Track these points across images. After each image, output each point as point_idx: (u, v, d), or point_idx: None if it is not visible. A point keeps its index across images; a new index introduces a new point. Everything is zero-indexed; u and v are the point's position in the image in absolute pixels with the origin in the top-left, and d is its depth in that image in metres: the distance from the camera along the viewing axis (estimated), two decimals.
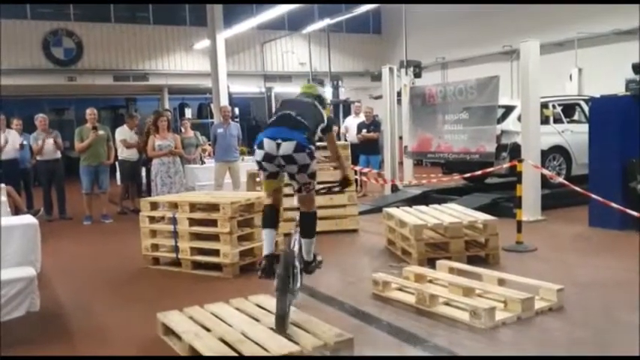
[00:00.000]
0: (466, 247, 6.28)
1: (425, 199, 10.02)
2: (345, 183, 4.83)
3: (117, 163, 11.53)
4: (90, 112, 10.11)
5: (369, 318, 4.69)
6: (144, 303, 5.43)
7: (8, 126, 10.56)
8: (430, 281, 5.23)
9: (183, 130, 11.96)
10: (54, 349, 4.34)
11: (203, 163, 11.79)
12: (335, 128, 4.59)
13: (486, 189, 10.42)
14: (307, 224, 4.35)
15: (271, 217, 4.36)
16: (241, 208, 6.36)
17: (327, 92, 4.73)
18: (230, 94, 17.32)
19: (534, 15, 15.86)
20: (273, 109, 14.37)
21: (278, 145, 3.95)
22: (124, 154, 10.81)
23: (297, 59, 21.95)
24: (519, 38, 9.46)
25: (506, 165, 8.75)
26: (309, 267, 4.49)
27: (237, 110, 19.20)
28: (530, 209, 8.27)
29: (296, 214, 4.54)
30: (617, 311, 4.63)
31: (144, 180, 11.64)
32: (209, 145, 12.61)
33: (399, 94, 12.31)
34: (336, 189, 4.91)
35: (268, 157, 4.02)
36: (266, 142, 3.99)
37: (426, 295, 4.74)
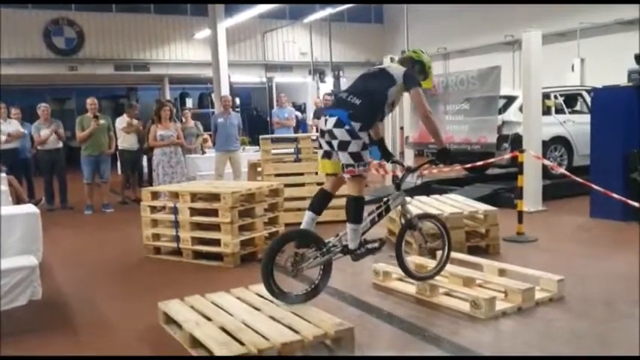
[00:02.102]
0: (467, 237, 6.28)
1: (426, 189, 10.01)
2: (442, 155, 4.67)
3: (117, 152, 11.54)
4: (90, 102, 10.10)
5: (370, 308, 4.71)
6: (145, 292, 5.45)
7: (8, 115, 10.55)
8: None
9: (183, 120, 11.96)
10: (56, 337, 4.37)
11: (204, 152, 11.79)
12: (418, 91, 4.46)
13: (487, 179, 10.42)
14: (349, 208, 4.36)
15: (317, 200, 4.49)
16: (242, 198, 6.37)
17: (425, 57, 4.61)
18: (231, 84, 17.29)
19: (536, 5, 15.78)
20: (275, 99, 14.44)
21: (326, 121, 4.27)
22: (124, 143, 10.80)
23: (299, 49, 21.87)
24: (521, 28, 9.42)
25: (507, 155, 8.75)
26: (353, 254, 4.42)
27: (237, 100, 19.18)
28: (531, 200, 8.28)
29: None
30: (617, 303, 4.62)
31: (145, 169, 11.65)
32: (209, 135, 12.62)
33: None
34: (435, 163, 4.80)
35: (321, 132, 4.34)
36: (321, 118, 4.35)
37: (426, 286, 4.75)
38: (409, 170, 4.86)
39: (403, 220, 4.83)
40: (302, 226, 4.44)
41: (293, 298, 4.23)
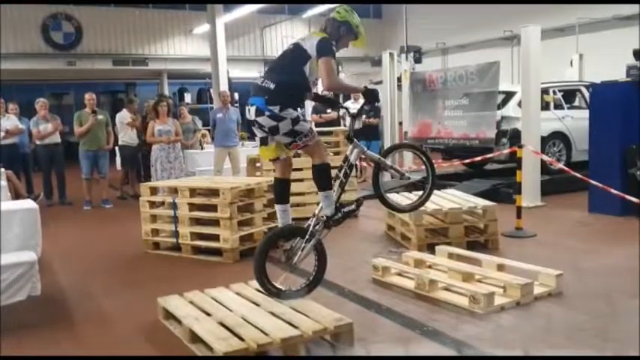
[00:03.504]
0: (465, 232, 6.29)
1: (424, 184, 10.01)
2: (367, 94, 4.34)
3: (117, 148, 11.50)
4: (89, 97, 10.09)
5: (369, 303, 4.72)
6: (144, 287, 5.46)
7: (6, 111, 10.52)
8: (429, 266, 5.25)
9: (180, 115, 11.91)
10: (55, 332, 4.37)
11: (202, 148, 11.77)
12: (326, 61, 4.10)
13: (486, 175, 10.43)
14: (316, 177, 4.27)
15: (279, 190, 4.44)
16: (241, 194, 6.37)
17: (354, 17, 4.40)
18: (229, 79, 17.25)
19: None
20: None
21: (249, 111, 4.18)
22: (125, 138, 10.79)
23: None
24: (520, 23, 9.42)
25: (506, 151, 8.76)
26: (331, 220, 4.30)
27: (236, 95, 19.13)
28: (529, 195, 8.28)
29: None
30: (616, 297, 4.64)
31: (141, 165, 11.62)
32: (207, 130, 12.59)
33: (399, 79, 12.26)
34: (366, 107, 4.45)
35: (249, 122, 4.25)
36: (246, 107, 4.22)
37: (425, 281, 4.75)
38: (353, 117, 4.69)
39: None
40: (279, 222, 4.43)
41: (293, 294, 4.23)
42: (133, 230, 7.26)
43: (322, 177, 4.25)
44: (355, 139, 4.45)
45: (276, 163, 4.41)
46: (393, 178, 11.36)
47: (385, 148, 4.59)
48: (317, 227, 4.29)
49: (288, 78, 4.15)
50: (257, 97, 4.11)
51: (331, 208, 4.28)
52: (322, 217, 4.30)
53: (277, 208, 4.43)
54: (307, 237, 4.25)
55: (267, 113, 4.05)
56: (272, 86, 4.10)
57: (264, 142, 4.27)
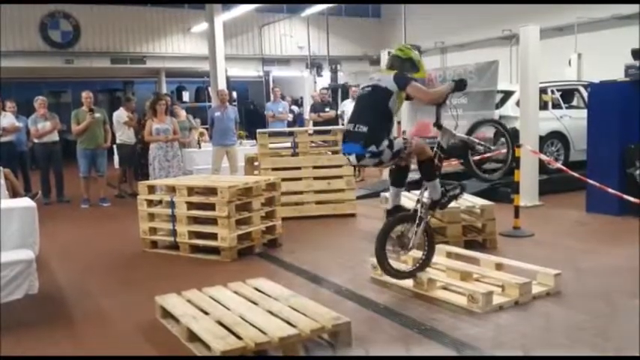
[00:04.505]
0: (463, 231, 6.30)
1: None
2: (459, 85, 4.73)
3: (115, 146, 11.47)
4: (86, 95, 10.08)
5: (367, 302, 4.72)
6: (142, 286, 5.45)
7: (3, 108, 10.51)
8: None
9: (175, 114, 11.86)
10: (54, 331, 4.37)
11: (200, 147, 11.75)
12: (414, 85, 4.61)
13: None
14: (423, 170, 4.76)
15: (397, 176, 4.89)
16: (239, 192, 6.36)
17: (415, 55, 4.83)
18: (228, 78, 17.23)
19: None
20: (271, 95, 14.47)
21: (349, 159, 4.69)
22: (122, 136, 10.78)
23: (296, 43, 21.81)
24: (519, 23, 9.42)
25: (504, 150, 8.75)
26: (439, 204, 4.85)
27: (234, 94, 19.11)
28: (527, 194, 8.29)
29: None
30: (615, 297, 4.64)
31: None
32: (205, 129, 12.57)
33: None
34: (456, 91, 4.81)
35: (352, 164, 4.97)
36: (345, 155, 4.76)
37: (423, 280, 4.75)
38: (438, 105, 4.81)
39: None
40: (390, 203, 4.94)
41: (409, 274, 4.76)
42: (131, 229, 7.25)
43: (429, 170, 4.75)
44: (444, 126, 4.85)
45: None
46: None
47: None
48: (423, 211, 4.76)
49: (377, 117, 4.57)
50: (351, 143, 4.57)
51: (438, 193, 4.81)
52: (427, 201, 4.79)
53: (391, 189, 4.93)
54: (417, 222, 4.71)
55: (367, 155, 4.51)
56: (365, 129, 4.51)
57: None
